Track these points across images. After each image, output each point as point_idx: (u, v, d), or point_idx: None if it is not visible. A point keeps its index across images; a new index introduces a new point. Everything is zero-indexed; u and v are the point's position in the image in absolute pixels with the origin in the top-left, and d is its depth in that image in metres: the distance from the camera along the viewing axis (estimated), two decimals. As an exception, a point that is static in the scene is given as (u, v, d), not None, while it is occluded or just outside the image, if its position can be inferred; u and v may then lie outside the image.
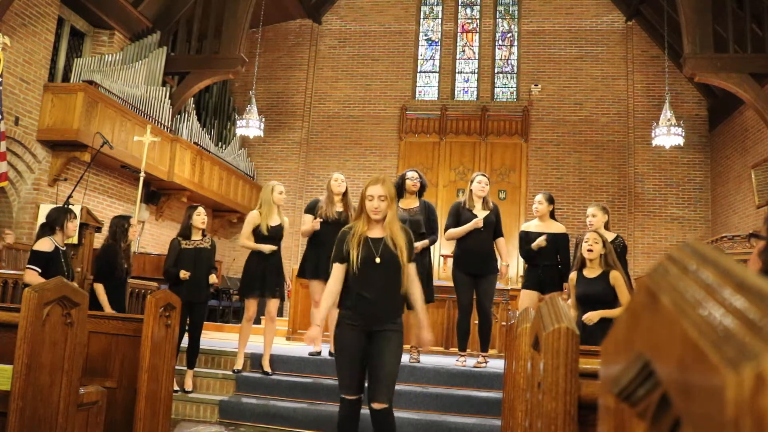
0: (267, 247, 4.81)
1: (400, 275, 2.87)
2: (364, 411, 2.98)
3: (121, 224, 4.69)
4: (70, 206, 5.56)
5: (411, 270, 2.96)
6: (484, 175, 5.11)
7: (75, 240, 6.13)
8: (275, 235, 4.89)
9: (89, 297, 4.90)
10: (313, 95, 12.54)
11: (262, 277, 4.81)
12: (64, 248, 4.34)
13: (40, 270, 4.11)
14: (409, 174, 5.04)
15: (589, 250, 3.95)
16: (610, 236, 4.80)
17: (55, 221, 4.24)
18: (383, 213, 2.87)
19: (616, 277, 3.91)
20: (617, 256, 4.62)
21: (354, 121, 12.31)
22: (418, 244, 4.87)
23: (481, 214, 4.96)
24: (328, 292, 2.94)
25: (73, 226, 4.30)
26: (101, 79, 8.41)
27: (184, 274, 4.62)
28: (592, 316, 3.83)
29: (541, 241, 4.89)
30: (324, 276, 4.93)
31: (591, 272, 3.98)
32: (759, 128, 9.26)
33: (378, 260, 2.84)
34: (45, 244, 4.20)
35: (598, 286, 3.91)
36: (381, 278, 2.85)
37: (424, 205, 5.01)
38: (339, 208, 5.02)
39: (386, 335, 2.84)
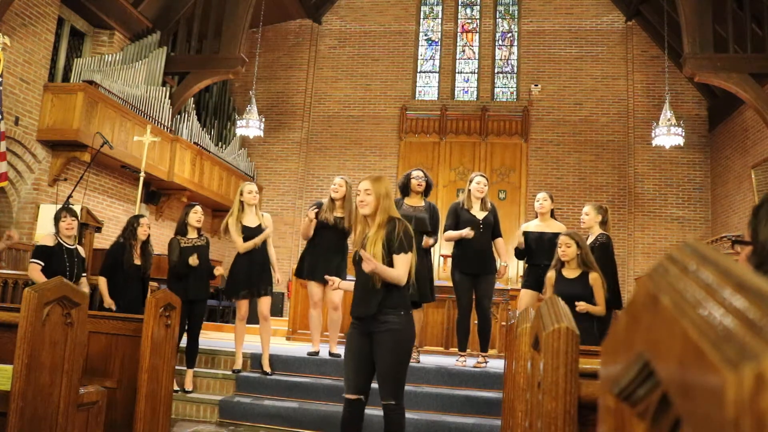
0: (258, 239, 4.82)
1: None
2: (372, 413, 3.00)
3: (131, 223, 4.77)
4: (70, 206, 5.57)
5: (397, 260, 2.83)
6: (483, 176, 5.12)
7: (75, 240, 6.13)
8: (252, 235, 4.88)
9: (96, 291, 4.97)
10: (313, 95, 12.53)
11: (247, 277, 4.82)
12: (72, 246, 4.46)
13: (42, 264, 4.29)
14: (415, 173, 5.05)
15: (564, 254, 4.06)
16: (597, 232, 4.81)
17: (54, 220, 4.46)
18: (368, 206, 2.93)
19: (595, 278, 4.06)
20: (597, 252, 4.64)
21: (354, 121, 12.31)
22: (430, 240, 4.90)
23: (479, 214, 4.98)
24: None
25: (65, 225, 4.39)
26: (101, 79, 8.41)
27: (193, 259, 4.65)
28: (581, 305, 3.92)
29: (519, 240, 4.98)
30: (320, 278, 4.92)
31: (570, 273, 4.11)
32: (759, 128, 9.26)
33: (358, 259, 2.90)
34: (47, 239, 4.41)
35: (577, 286, 4.05)
36: (361, 277, 2.91)
37: (430, 206, 5.03)
38: (339, 213, 5.04)
39: (381, 335, 2.86)
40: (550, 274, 4.19)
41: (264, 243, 4.94)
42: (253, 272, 4.83)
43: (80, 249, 4.61)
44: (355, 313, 2.94)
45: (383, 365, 2.85)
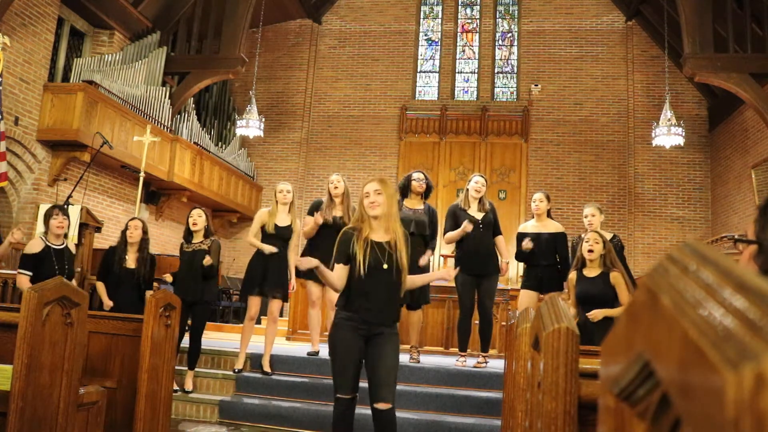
0: (267, 247, 4.82)
1: (401, 280, 2.93)
2: (360, 412, 3.01)
3: (125, 226, 4.72)
4: (69, 205, 5.57)
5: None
6: (482, 176, 5.14)
7: (75, 240, 6.13)
8: (281, 235, 4.88)
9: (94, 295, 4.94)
10: (313, 95, 12.54)
11: (263, 276, 4.81)
12: (61, 246, 4.35)
13: (30, 273, 4.16)
14: (415, 175, 5.06)
15: (590, 251, 3.98)
16: (607, 236, 4.83)
17: (44, 217, 4.34)
18: (380, 206, 2.88)
19: (616, 277, 3.95)
20: (619, 254, 4.64)
21: (354, 121, 12.31)
22: (424, 259, 4.86)
23: (477, 214, 4.97)
24: (334, 278, 2.92)
25: (56, 223, 4.29)
26: (101, 79, 8.41)
27: (168, 277, 4.73)
28: (597, 314, 3.86)
29: (527, 244, 4.90)
30: (319, 278, 4.92)
31: (591, 272, 4.01)
32: (759, 128, 9.26)
33: (385, 266, 2.86)
34: (33, 246, 4.28)
35: (597, 286, 3.94)
36: (387, 284, 2.87)
37: (428, 209, 5.04)
38: (338, 212, 5.03)
39: (385, 338, 2.88)
40: (572, 275, 4.14)
41: (286, 246, 4.94)
42: (267, 273, 4.82)
43: (69, 245, 4.51)
44: (383, 319, 2.88)
45: (388, 367, 2.85)
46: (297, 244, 5.13)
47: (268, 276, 4.81)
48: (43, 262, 4.21)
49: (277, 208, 4.97)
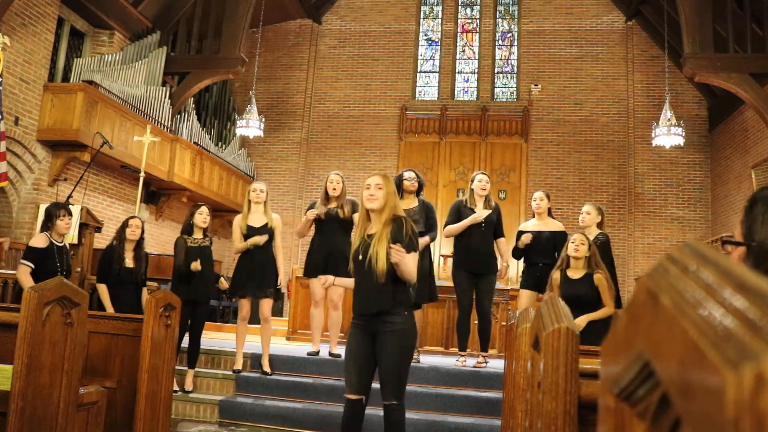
0: (253, 240, 4.80)
1: (382, 269, 2.77)
2: (371, 412, 2.99)
3: (122, 224, 4.71)
4: (70, 205, 5.56)
5: (409, 260, 2.78)
6: (485, 174, 5.10)
7: (75, 240, 6.13)
8: (257, 235, 4.86)
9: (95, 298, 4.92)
10: (313, 95, 12.54)
11: (246, 278, 4.81)
12: (61, 244, 4.36)
13: (32, 266, 4.16)
14: (407, 174, 4.96)
15: (576, 250, 4.01)
16: (594, 231, 4.84)
17: (49, 217, 4.31)
18: (378, 200, 2.85)
19: (599, 279, 4.01)
20: (599, 251, 4.64)
21: (354, 121, 12.32)
22: (420, 242, 4.84)
23: (482, 213, 4.94)
24: (350, 283, 3.07)
25: (63, 223, 4.28)
26: (101, 79, 8.41)
27: (195, 265, 4.62)
28: (579, 323, 3.87)
29: (525, 239, 4.92)
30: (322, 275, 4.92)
31: (575, 273, 4.05)
32: (759, 128, 9.26)
33: (361, 257, 2.86)
34: (39, 240, 4.27)
35: (581, 287, 3.99)
36: (367, 275, 2.83)
37: (423, 205, 4.96)
38: (333, 204, 5.00)
39: (386, 335, 2.83)
40: (556, 275, 4.15)
41: (269, 244, 4.92)
42: (254, 273, 4.81)
43: (66, 243, 4.53)
44: (365, 309, 2.84)
45: (388, 365, 2.82)
46: (281, 243, 5.09)
47: (250, 278, 4.81)
48: (47, 258, 4.23)
49: (252, 208, 4.93)
